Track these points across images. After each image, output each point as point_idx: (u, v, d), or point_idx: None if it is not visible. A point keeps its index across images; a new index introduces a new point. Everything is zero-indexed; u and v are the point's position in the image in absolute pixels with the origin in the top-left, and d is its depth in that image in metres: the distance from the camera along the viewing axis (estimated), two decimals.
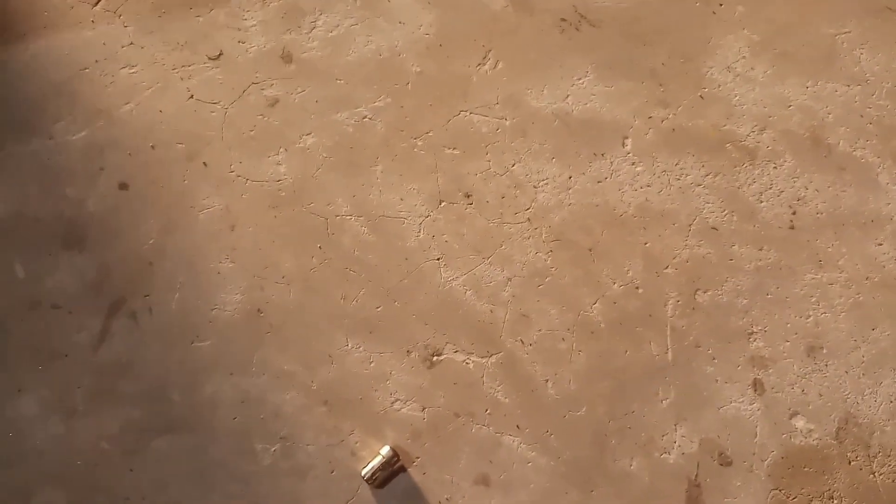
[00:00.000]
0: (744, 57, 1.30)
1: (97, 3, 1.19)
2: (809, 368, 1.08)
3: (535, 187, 1.15)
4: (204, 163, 1.12)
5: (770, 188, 1.20)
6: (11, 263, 1.08)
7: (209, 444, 1.00)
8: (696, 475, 1.01)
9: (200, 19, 1.20)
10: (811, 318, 1.12)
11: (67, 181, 1.11)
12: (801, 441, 1.04)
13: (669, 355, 1.06)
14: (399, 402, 1.02)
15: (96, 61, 1.16)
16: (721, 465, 1.02)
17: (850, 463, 1.03)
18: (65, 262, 1.07)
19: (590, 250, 1.11)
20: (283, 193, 1.11)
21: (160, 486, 0.99)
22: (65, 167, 1.11)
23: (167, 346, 1.03)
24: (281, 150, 1.13)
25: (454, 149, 1.16)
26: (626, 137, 1.19)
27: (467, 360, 1.05)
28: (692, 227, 1.14)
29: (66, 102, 1.14)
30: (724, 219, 1.16)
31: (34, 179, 1.10)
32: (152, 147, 1.12)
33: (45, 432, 1.02)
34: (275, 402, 1.01)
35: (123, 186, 1.11)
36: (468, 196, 1.13)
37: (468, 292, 1.08)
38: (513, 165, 1.15)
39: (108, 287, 1.06)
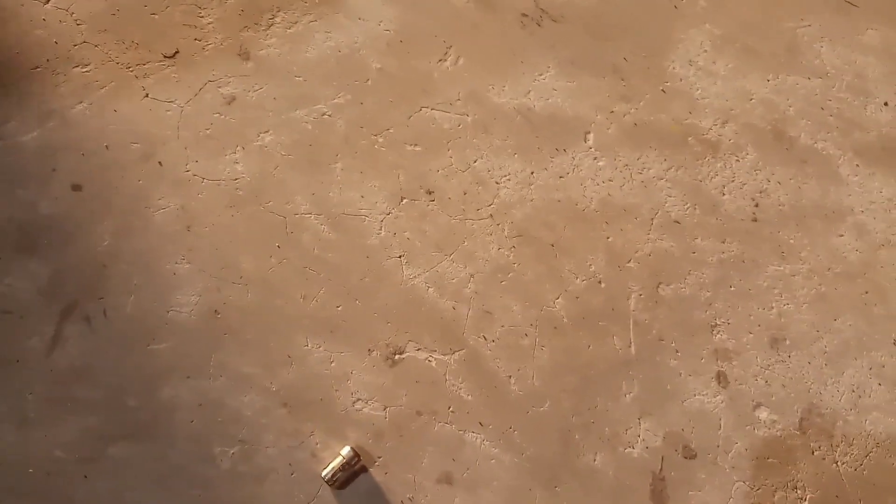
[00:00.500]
0: (706, 51, 1.31)
1: (48, 2, 1.18)
2: (773, 360, 1.09)
3: (497, 183, 1.15)
4: (159, 162, 1.10)
5: (733, 181, 1.21)
6: None
7: (167, 449, 0.98)
8: (661, 469, 1.01)
9: (156, 17, 1.19)
10: (774, 310, 1.13)
11: (18, 183, 1.09)
12: (764, 432, 1.05)
13: (633, 349, 1.06)
14: (360, 401, 1.02)
15: (48, 60, 1.14)
16: (685, 458, 1.02)
17: (813, 453, 1.04)
18: (16, 266, 1.05)
19: (552, 245, 1.12)
20: (241, 192, 1.10)
21: (117, 493, 0.97)
22: (15, 168, 1.09)
23: (123, 350, 1.01)
24: (238, 148, 1.12)
25: (416, 145, 1.15)
26: (588, 132, 1.20)
27: (430, 358, 1.04)
28: (655, 221, 1.15)
29: (16, 102, 1.12)
30: (687, 212, 1.17)
31: None
32: (106, 147, 1.11)
33: None
34: (233, 405, 0.99)
35: (77, 188, 1.09)
36: (430, 193, 1.13)
37: (430, 289, 1.07)
38: (475, 162, 1.15)
39: (61, 291, 1.04)
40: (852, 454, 1.05)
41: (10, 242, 1.06)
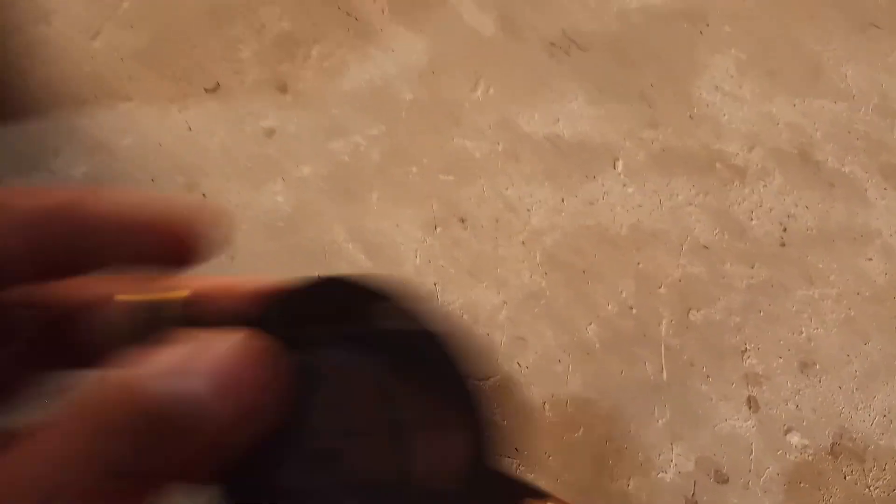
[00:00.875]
0: (731, 76, 1.33)
1: (96, 39, 1.22)
2: (803, 384, 1.10)
3: (528, 210, 1.17)
4: (203, 194, 1.14)
5: (760, 206, 1.22)
6: None
7: None
8: (693, 493, 1.03)
9: (197, 52, 1.23)
10: (804, 335, 1.14)
11: None
12: (795, 457, 1.06)
13: (664, 375, 1.08)
14: None
15: (95, 95, 1.19)
16: (717, 482, 1.04)
17: (845, 478, 1.05)
18: None
19: (583, 272, 1.14)
20: (282, 223, 1.13)
21: None
22: None
23: None
24: (278, 179, 1.16)
25: (448, 174, 1.18)
26: (617, 159, 1.22)
27: None
28: (684, 247, 1.17)
29: (65, 136, 1.17)
30: (716, 237, 1.18)
31: None
32: (153, 180, 1.15)
33: None
34: None
35: None
36: (463, 221, 1.16)
37: (464, 316, 1.10)
38: (506, 189, 1.18)
39: None
40: (885, 479, 1.06)
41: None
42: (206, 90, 1.22)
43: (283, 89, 1.22)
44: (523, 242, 1.16)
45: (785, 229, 1.21)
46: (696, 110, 1.28)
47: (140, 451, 0.17)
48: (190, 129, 1.19)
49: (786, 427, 1.08)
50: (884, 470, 1.06)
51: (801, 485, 1.05)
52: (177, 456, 0.17)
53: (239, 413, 0.18)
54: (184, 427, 0.17)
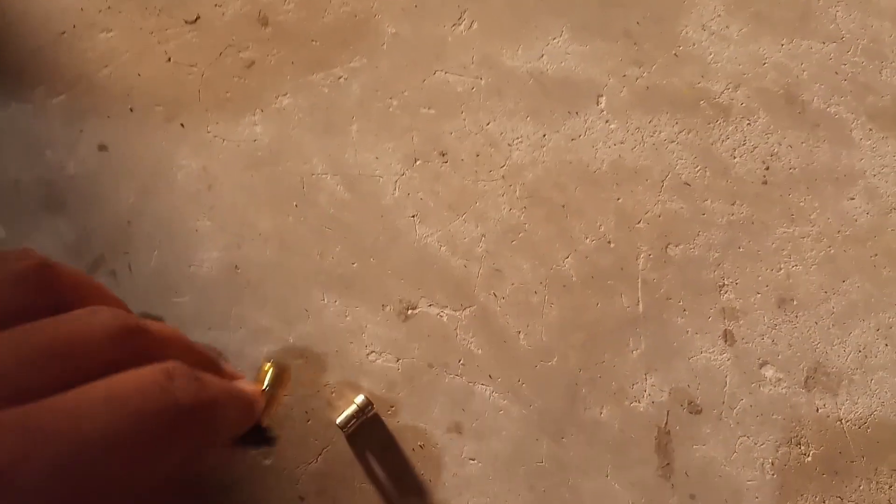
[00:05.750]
0: (719, 15, 1.32)
1: None
2: (780, 319, 1.11)
3: (509, 145, 1.17)
4: (181, 124, 1.14)
5: (743, 144, 1.22)
6: None
7: None
8: (666, 423, 1.04)
9: None
10: (782, 271, 1.14)
11: (47, 144, 1.13)
12: (769, 390, 1.07)
13: (640, 307, 1.09)
14: (374, 353, 1.05)
15: (74, 26, 1.18)
16: (691, 413, 1.05)
17: (817, 410, 1.06)
18: (46, 223, 1.09)
19: (563, 207, 1.14)
20: (260, 153, 1.13)
21: None
22: (44, 131, 1.14)
23: (146, 303, 1.06)
24: (257, 111, 1.15)
25: (429, 108, 1.18)
26: (601, 96, 1.21)
27: (441, 314, 1.07)
28: (665, 183, 1.17)
29: (44, 67, 1.16)
30: (697, 174, 1.18)
31: (13, 143, 1.12)
32: (131, 110, 1.15)
33: None
34: (253, 356, 1.04)
35: (103, 148, 1.14)
36: (443, 154, 1.15)
37: (443, 248, 1.10)
38: (487, 124, 1.18)
39: (88, 247, 1.09)
40: (857, 412, 1.07)
41: (39, 201, 1.10)
42: (186, 22, 1.21)
43: (264, 22, 1.21)
44: (503, 177, 1.15)
45: (768, 168, 1.21)
46: (681, 49, 1.27)
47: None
48: (169, 60, 1.18)
49: (761, 361, 1.08)
50: (856, 404, 1.07)
51: (774, 416, 1.06)
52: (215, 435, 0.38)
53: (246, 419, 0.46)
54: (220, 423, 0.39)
